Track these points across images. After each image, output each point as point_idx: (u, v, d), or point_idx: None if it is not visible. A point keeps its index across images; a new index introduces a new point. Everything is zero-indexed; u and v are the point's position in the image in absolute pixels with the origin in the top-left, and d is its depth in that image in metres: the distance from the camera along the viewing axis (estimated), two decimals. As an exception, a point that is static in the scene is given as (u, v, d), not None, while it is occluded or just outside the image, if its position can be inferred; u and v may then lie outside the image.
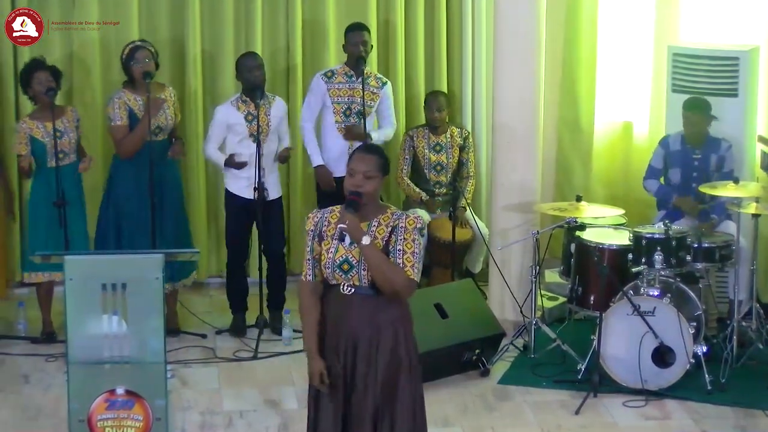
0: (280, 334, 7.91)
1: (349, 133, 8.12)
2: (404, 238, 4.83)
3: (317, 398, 4.97)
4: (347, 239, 4.81)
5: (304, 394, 6.94)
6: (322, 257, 4.87)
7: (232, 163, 7.86)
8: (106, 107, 7.87)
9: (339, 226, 4.78)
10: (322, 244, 4.87)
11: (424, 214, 8.50)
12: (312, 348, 4.90)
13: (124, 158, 7.73)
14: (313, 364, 4.90)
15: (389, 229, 4.85)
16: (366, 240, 4.78)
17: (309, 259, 4.93)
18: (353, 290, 4.85)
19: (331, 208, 4.96)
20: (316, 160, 8.21)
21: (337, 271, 4.84)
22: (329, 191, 8.11)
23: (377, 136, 8.22)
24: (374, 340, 4.86)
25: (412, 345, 4.96)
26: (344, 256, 4.83)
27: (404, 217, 4.88)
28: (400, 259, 4.82)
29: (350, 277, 4.84)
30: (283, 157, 8.02)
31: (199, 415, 6.76)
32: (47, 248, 7.42)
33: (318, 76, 8.23)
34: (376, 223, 4.86)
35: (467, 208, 8.53)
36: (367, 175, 4.81)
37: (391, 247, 4.83)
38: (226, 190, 8.01)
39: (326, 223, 4.90)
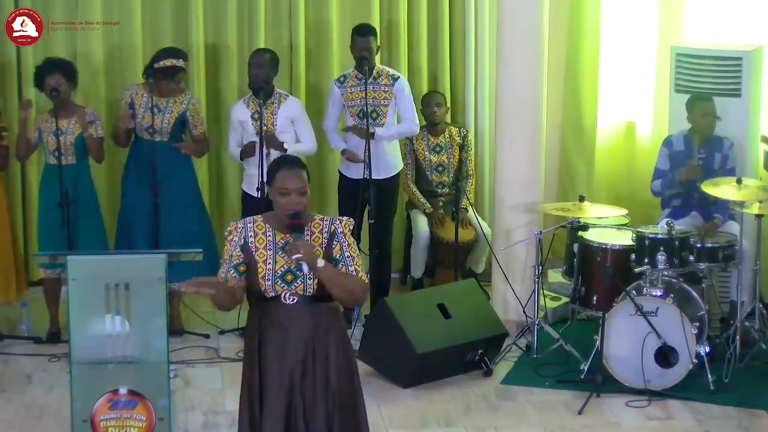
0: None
1: (358, 134, 7.98)
2: (348, 244, 4.82)
3: (260, 409, 4.84)
4: (305, 267, 4.71)
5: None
6: (260, 269, 4.77)
7: (247, 151, 7.82)
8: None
9: (295, 257, 4.67)
10: (256, 256, 4.78)
11: (422, 222, 8.50)
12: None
13: (117, 146, 8.04)
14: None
15: (325, 235, 4.82)
16: (321, 262, 4.71)
17: (227, 263, 4.81)
18: (296, 299, 4.79)
19: (252, 218, 4.87)
20: (341, 146, 8.13)
21: (279, 283, 4.77)
22: (351, 192, 8.08)
23: (382, 132, 8.05)
24: (322, 347, 4.82)
25: (351, 346, 4.99)
26: (286, 267, 4.77)
27: (337, 221, 4.86)
28: (352, 266, 4.81)
29: (294, 287, 4.78)
30: (274, 144, 7.86)
31: (202, 415, 6.76)
32: (49, 248, 7.46)
33: (333, 83, 8.21)
34: (308, 232, 4.80)
35: (468, 209, 8.52)
36: (301, 191, 4.76)
37: (338, 255, 4.80)
38: (242, 189, 8.09)
39: (252, 234, 4.82)
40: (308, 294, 4.78)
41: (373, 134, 7.98)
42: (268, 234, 4.82)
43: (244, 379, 4.92)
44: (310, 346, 4.81)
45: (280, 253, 4.78)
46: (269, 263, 4.77)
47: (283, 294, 4.78)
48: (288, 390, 4.80)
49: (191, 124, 7.89)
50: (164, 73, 7.73)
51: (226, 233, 4.87)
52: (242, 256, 4.81)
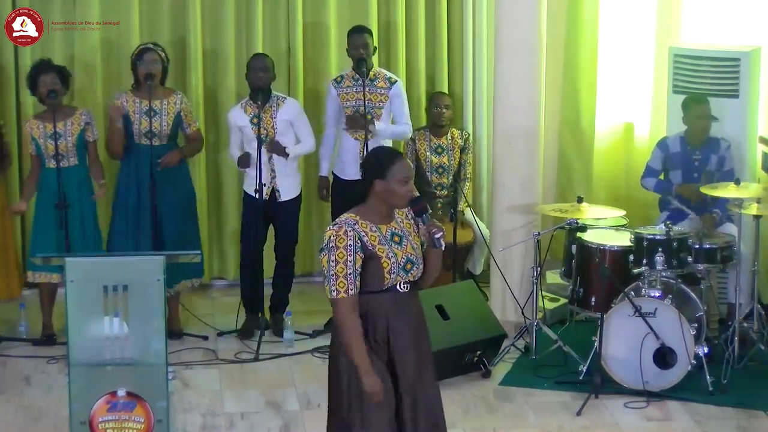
0: (280, 335, 7.90)
1: (350, 123, 7.99)
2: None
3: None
4: (443, 243, 4.91)
5: (306, 396, 7.01)
6: (384, 264, 4.81)
7: (242, 161, 7.86)
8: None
9: (438, 235, 4.85)
10: (377, 252, 4.82)
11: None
12: (370, 367, 4.80)
13: (112, 158, 7.91)
14: (374, 381, 4.80)
15: (411, 220, 4.97)
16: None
17: (350, 274, 4.78)
18: (409, 286, 4.92)
19: (351, 218, 4.84)
20: (322, 170, 8.24)
21: (400, 273, 4.87)
22: (347, 194, 8.05)
23: (382, 127, 8.03)
24: (422, 326, 5.02)
25: None
26: (405, 257, 4.87)
27: (406, 208, 5.01)
28: None
29: (411, 274, 4.90)
30: (277, 149, 7.90)
31: (201, 417, 6.76)
32: (45, 250, 7.45)
33: (330, 83, 8.20)
34: (400, 219, 4.94)
35: (465, 211, 8.51)
36: (410, 179, 4.91)
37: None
38: (243, 190, 8.06)
39: (363, 234, 4.82)
40: (416, 279, 4.94)
41: (373, 123, 7.93)
42: (373, 230, 4.85)
43: (345, 376, 4.86)
44: (418, 329, 4.97)
45: (393, 245, 4.85)
46: (391, 257, 4.84)
47: (398, 283, 4.88)
48: (413, 379, 4.94)
49: (185, 123, 7.86)
50: (140, 56, 7.69)
51: (332, 239, 4.79)
52: (363, 257, 4.83)
